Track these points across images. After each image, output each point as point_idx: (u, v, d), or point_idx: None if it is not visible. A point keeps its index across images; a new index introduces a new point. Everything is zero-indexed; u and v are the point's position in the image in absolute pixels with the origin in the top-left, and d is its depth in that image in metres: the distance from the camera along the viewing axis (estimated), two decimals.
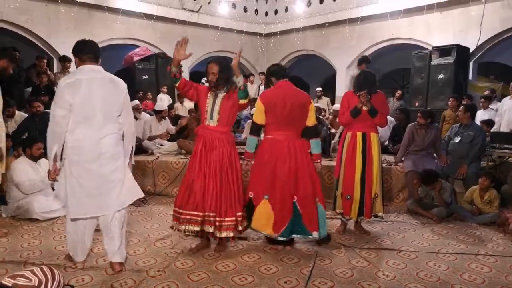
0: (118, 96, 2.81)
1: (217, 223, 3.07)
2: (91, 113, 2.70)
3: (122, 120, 2.86)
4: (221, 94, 3.15)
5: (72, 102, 2.64)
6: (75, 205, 2.74)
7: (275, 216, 3.17)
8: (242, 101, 3.17)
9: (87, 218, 2.83)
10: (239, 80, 3.09)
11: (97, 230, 3.17)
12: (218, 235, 3.09)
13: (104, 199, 2.76)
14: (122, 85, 2.86)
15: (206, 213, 3.06)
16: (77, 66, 2.81)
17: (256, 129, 3.37)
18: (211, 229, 3.08)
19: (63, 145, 2.72)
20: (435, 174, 4.38)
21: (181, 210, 3.10)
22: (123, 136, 2.89)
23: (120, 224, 2.87)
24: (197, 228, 3.07)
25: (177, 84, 3.14)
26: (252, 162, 3.39)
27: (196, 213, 3.05)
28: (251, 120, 6.58)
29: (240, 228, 3.17)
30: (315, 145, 3.36)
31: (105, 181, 2.76)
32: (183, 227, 3.08)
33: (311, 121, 3.33)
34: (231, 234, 3.12)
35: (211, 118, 3.13)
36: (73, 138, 2.69)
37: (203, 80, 7.06)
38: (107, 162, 2.75)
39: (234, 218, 3.11)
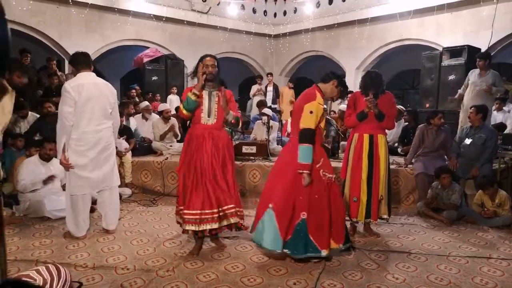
0: (109, 97, 3.55)
1: (238, 213, 3.18)
2: (91, 111, 3.40)
3: (113, 116, 3.62)
4: (215, 93, 3.20)
5: (77, 101, 3.32)
6: (76, 185, 3.45)
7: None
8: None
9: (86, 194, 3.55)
10: (230, 116, 3.19)
11: (106, 230, 3.56)
12: (231, 221, 3.13)
13: (101, 179, 3.54)
14: (112, 88, 3.63)
15: (222, 208, 3.09)
16: (75, 73, 3.51)
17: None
18: (232, 220, 3.12)
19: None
20: (448, 169, 4.47)
21: (194, 211, 3.06)
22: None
23: (115, 200, 3.74)
24: (215, 226, 3.08)
25: (191, 112, 3.17)
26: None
27: (210, 211, 3.07)
28: (259, 121, 6.62)
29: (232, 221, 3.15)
30: (300, 152, 2.94)
31: (102, 165, 3.52)
32: (203, 226, 3.05)
33: (302, 123, 2.99)
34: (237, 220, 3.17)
35: (209, 116, 3.17)
36: (78, 132, 3.38)
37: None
38: (104, 149, 3.52)
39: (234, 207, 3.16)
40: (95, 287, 2.62)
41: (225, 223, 3.12)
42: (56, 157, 4.42)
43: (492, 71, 5.72)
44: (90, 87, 3.39)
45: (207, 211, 3.05)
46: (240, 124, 3.39)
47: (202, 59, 3.21)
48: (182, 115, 3.23)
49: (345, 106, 6.81)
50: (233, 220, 3.11)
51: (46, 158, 4.29)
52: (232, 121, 3.21)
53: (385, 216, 3.73)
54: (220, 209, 3.08)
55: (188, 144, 3.22)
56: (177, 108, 6.75)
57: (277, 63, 12.97)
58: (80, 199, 3.51)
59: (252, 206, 4.83)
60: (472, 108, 4.89)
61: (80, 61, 3.48)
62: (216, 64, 3.18)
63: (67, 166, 3.40)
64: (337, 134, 6.28)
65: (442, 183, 4.39)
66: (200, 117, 3.18)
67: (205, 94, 3.19)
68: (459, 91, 6.06)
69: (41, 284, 1.70)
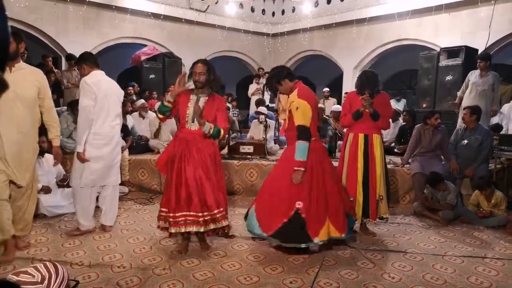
0: (120, 96, 3.72)
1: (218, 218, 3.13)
2: (108, 107, 3.52)
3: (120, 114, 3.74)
4: (204, 98, 3.16)
5: (97, 95, 3.41)
6: (89, 178, 3.51)
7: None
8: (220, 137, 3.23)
9: (94, 187, 3.64)
10: (206, 127, 3.04)
11: (103, 226, 3.55)
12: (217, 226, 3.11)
13: (108, 174, 3.63)
14: (120, 88, 3.79)
15: (207, 213, 3.06)
16: (87, 71, 3.54)
17: (308, 134, 3.08)
18: (224, 223, 3.11)
19: None
20: (440, 177, 4.39)
21: (176, 214, 3.04)
22: None
23: (116, 197, 3.81)
24: (201, 229, 3.05)
25: (164, 115, 3.23)
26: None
27: (195, 213, 3.03)
28: (256, 120, 6.62)
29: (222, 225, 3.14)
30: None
31: (112, 160, 3.63)
32: (189, 228, 3.03)
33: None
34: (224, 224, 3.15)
35: (193, 122, 3.13)
36: (96, 127, 3.47)
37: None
38: (115, 145, 3.65)
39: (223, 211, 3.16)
40: (92, 285, 2.61)
41: (212, 226, 3.07)
42: (47, 151, 4.46)
43: (493, 72, 5.72)
44: (105, 84, 3.55)
45: (192, 213, 3.02)
46: (221, 135, 3.20)
47: (193, 65, 3.16)
48: (158, 117, 3.35)
49: (339, 106, 6.87)
50: (224, 223, 3.11)
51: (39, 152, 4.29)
52: (207, 134, 3.07)
53: (385, 216, 3.73)
54: (207, 213, 3.05)
55: (174, 145, 3.18)
56: None
57: (275, 62, 12.94)
58: (88, 192, 3.57)
59: (247, 205, 4.82)
60: (466, 109, 4.86)
61: (93, 60, 3.61)
62: (206, 70, 3.11)
63: (83, 160, 3.45)
64: (334, 134, 6.30)
65: (439, 190, 4.41)
66: (185, 121, 3.16)
67: (192, 98, 3.16)
68: (458, 93, 6.02)
69: (39, 280, 1.70)
